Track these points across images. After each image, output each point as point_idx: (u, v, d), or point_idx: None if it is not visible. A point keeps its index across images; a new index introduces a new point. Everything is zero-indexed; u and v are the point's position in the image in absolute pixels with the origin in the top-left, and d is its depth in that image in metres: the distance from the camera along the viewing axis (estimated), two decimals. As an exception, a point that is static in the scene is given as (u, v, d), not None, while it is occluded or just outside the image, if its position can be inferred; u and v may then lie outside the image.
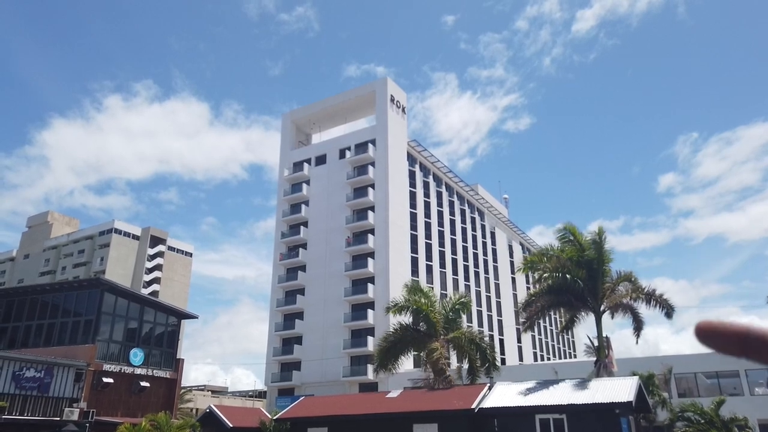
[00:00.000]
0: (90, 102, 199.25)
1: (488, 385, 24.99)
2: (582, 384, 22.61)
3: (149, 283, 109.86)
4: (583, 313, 33.23)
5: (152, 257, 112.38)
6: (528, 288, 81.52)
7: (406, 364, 35.38)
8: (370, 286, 63.38)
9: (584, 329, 35.33)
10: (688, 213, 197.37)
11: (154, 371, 33.62)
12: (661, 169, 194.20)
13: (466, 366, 31.24)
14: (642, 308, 31.48)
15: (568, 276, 30.06)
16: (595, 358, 31.33)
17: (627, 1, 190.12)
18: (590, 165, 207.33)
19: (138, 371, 32.61)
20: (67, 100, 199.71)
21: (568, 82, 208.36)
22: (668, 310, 30.88)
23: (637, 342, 31.95)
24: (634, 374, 27.73)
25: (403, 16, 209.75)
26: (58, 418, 27.38)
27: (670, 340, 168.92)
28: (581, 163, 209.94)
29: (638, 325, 31.51)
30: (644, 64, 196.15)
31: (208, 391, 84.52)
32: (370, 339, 60.17)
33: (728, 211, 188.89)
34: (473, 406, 22.00)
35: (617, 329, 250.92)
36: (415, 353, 33.68)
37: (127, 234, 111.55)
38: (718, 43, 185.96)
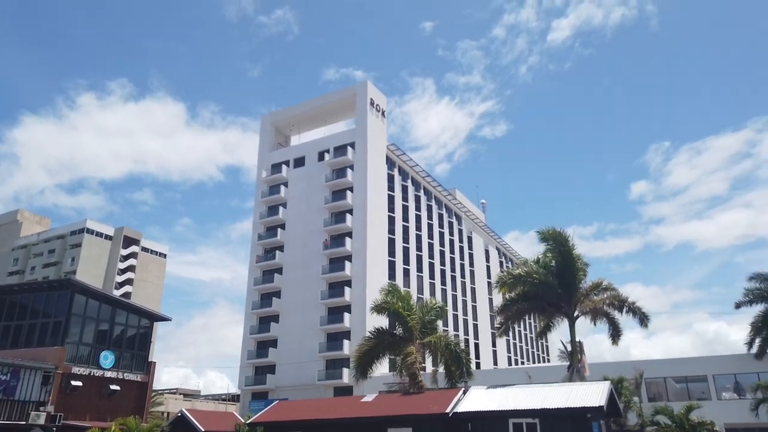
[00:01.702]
0: (63, 100, 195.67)
1: (463, 389, 25.07)
2: (555, 388, 22.85)
3: (122, 285, 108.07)
4: (557, 319, 33.64)
5: (125, 258, 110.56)
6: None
7: (382, 368, 35.39)
8: (347, 289, 63.21)
9: (558, 334, 35.83)
10: (659, 220, 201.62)
11: (125, 374, 33.02)
12: (634, 177, 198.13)
13: (441, 370, 31.35)
14: (615, 314, 32.00)
15: (540, 283, 30.40)
16: (568, 363, 31.71)
17: (601, 12, 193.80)
18: (565, 172, 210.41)
19: (108, 374, 31.99)
20: (40, 98, 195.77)
21: (545, 90, 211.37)
22: (642, 318, 31.33)
23: (615, 343, 32.36)
24: (606, 379, 28.13)
25: (382, 21, 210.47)
26: (24, 422, 26.69)
27: (641, 345, 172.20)
28: (557, 170, 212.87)
29: (615, 331, 31.96)
30: (618, 74, 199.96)
31: (180, 394, 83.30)
32: (346, 342, 60.01)
33: (698, 219, 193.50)
34: (447, 410, 22.05)
35: (590, 334, 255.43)
36: (391, 357, 33.71)
37: (99, 234, 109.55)
38: (690, 56, 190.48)
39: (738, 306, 37.43)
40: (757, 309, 37.25)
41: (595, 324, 32.33)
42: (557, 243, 30.85)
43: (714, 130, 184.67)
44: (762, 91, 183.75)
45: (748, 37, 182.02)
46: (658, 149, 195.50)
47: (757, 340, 37.80)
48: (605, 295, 31.98)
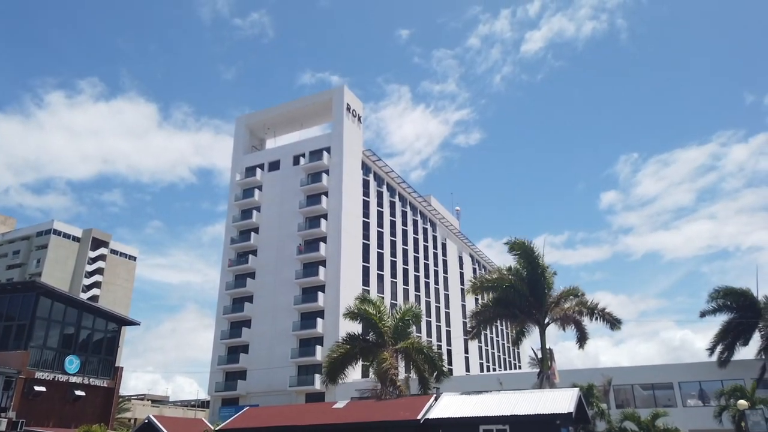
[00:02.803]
0: (31, 98, 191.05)
1: (435, 395, 25.13)
2: (525, 395, 23.06)
3: (89, 288, 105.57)
4: (529, 326, 34.03)
5: (93, 260, 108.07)
6: (477, 299, 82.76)
7: (354, 374, 35.26)
8: (320, 294, 62.90)
9: (530, 341, 36.26)
10: (628, 230, 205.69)
11: (91, 380, 32.27)
12: (604, 187, 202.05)
13: (414, 376, 31.38)
14: (585, 321, 32.52)
15: (512, 290, 30.80)
16: (538, 370, 32.06)
17: (573, 25, 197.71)
18: (537, 180, 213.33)
19: (73, 379, 31.22)
20: (6, 95, 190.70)
21: (517, 100, 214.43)
22: (612, 323, 32.02)
23: (581, 347, 32.93)
24: (575, 385, 28.48)
25: (358, 27, 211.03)
26: (-16, 429, 25.90)
27: (610, 352, 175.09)
28: (529, 179, 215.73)
29: (582, 337, 32.49)
30: (589, 85, 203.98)
31: (147, 400, 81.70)
32: (318, 348, 59.65)
33: (664, 229, 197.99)
34: (419, 417, 22.06)
35: (560, 341, 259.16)
36: (364, 363, 33.64)
37: (66, 235, 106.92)
38: (657, 69, 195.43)
39: (703, 315, 38.37)
40: (721, 318, 38.26)
41: (564, 330, 32.81)
42: (525, 254, 31.35)
43: (681, 143, 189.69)
44: (726, 106, 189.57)
45: (713, 53, 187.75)
46: (628, 160, 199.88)
47: (718, 348, 38.77)
48: (575, 302, 32.50)
